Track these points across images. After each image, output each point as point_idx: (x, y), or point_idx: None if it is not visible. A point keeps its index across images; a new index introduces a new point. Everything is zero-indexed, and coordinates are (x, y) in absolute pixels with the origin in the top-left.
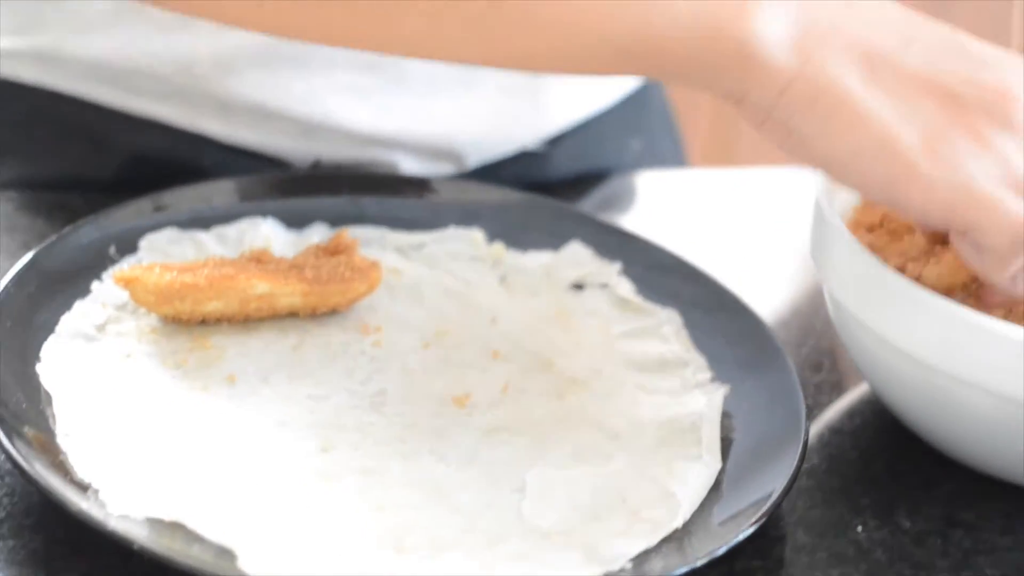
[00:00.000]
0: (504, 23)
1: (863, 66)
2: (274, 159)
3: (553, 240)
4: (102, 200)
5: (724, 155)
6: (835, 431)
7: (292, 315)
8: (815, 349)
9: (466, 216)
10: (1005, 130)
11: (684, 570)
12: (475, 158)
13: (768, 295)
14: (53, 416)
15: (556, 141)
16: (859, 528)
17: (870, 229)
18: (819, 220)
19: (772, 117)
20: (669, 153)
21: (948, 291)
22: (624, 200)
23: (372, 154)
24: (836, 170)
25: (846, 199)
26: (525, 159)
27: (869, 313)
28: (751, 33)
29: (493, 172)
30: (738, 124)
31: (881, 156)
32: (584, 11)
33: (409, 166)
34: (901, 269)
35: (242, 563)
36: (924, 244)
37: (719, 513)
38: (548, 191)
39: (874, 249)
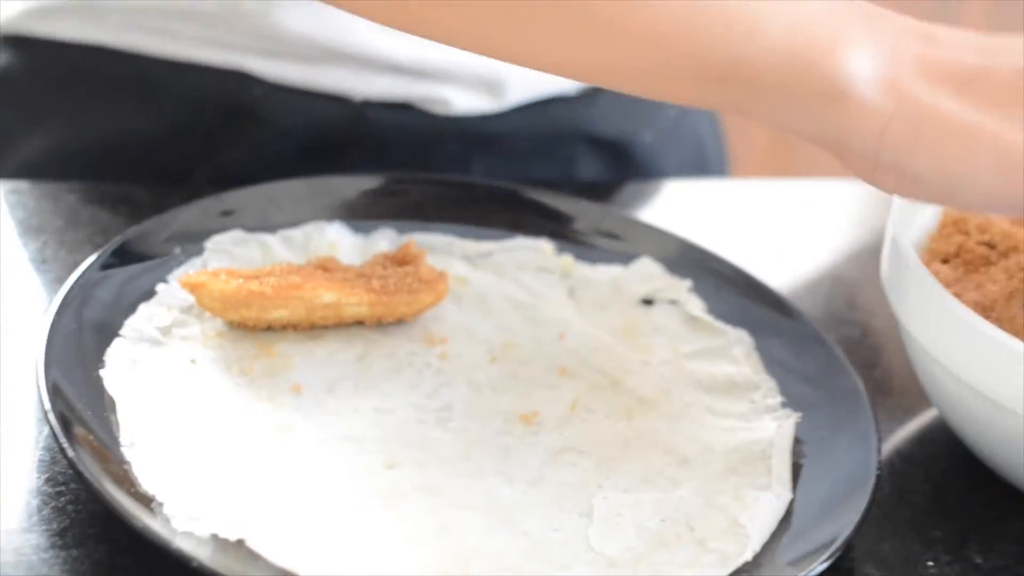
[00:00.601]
0: (588, 30)
1: (955, 88)
2: (322, 95)
3: (622, 254)
4: (164, 192)
5: (781, 166)
6: (906, 459)
7: (358, 323)
8: (886, 372)
9: (535, 226)
10: None
11: None
12: (516, 94)
13: (837, 315)
14: (117, 423)
15: (598, 91)
16: (930, 563)
17: (945, 260)
18: (893, 251)
19: (880, 162)
20: (706, 129)
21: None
22: (675, 208)
23: (418, 90)
24: (960, 197)
25: (921, 227)
26: (565, 105)
27: (942, 349)
28: (844, 71)
29: (533, 113)
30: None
31: (1002, 167)
32: (675, 27)
33: (453, 99)
34: (976, 304)
35: None
36: (1002, 277)
37: (788, 547)
38: (588, 155)
39: (949, 281)
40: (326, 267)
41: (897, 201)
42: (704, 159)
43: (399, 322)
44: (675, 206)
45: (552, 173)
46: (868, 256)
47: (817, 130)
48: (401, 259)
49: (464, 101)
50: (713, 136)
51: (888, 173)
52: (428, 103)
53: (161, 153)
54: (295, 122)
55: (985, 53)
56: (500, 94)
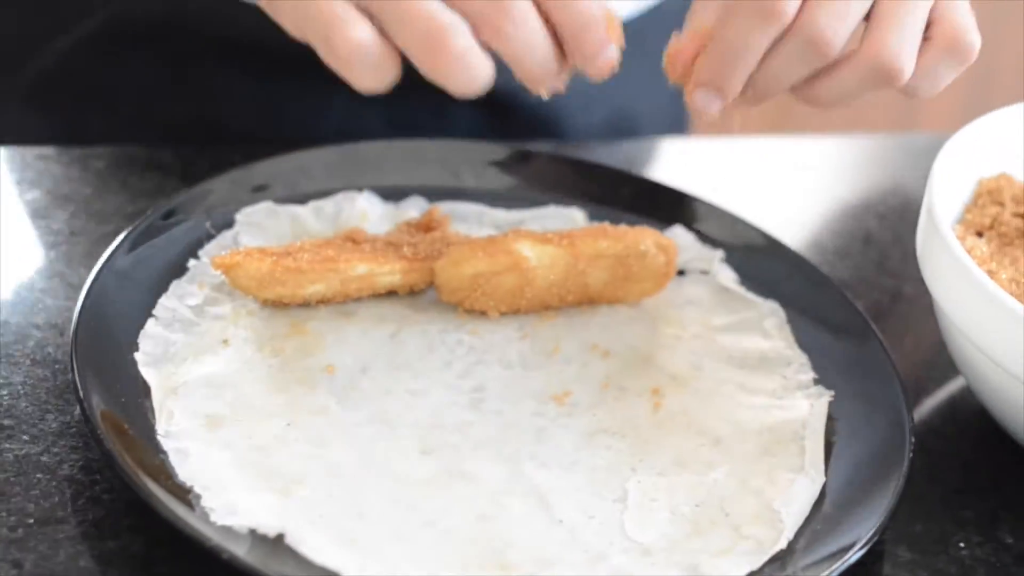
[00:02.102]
0: None
1: None
2: None
3: (655, 222)
4: (192, 157)
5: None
6: (936, 434)
7: (390, 296)
8: (916, 341)
9: (566, 195)
10: None
11: None
12: None
13: (867, 279)
14: (152, 410)
15: None
16: (961, 544)
17: (979, 233)
18: (928, 225)
19: None
20: (650, 108)
21: None
22: (683, 170)
23: None
24: None
25: (957, 198)
26: None
27: (976, 328)
28: None
29: None
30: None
31: None
32: None
33: None
34: (1011, 280)
35: None
36: None
37: (823, 532)
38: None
39: (984, 257)
40: (354, 238)
41: (935, 171)
42: (629, 122)
43: (429, 292)
44: (683, 167)
45: (426, 123)
46: (895, 217)
47: None
48: (426, 225)
49: None
50: (651, 99)
51: None
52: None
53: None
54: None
55: None
56: None
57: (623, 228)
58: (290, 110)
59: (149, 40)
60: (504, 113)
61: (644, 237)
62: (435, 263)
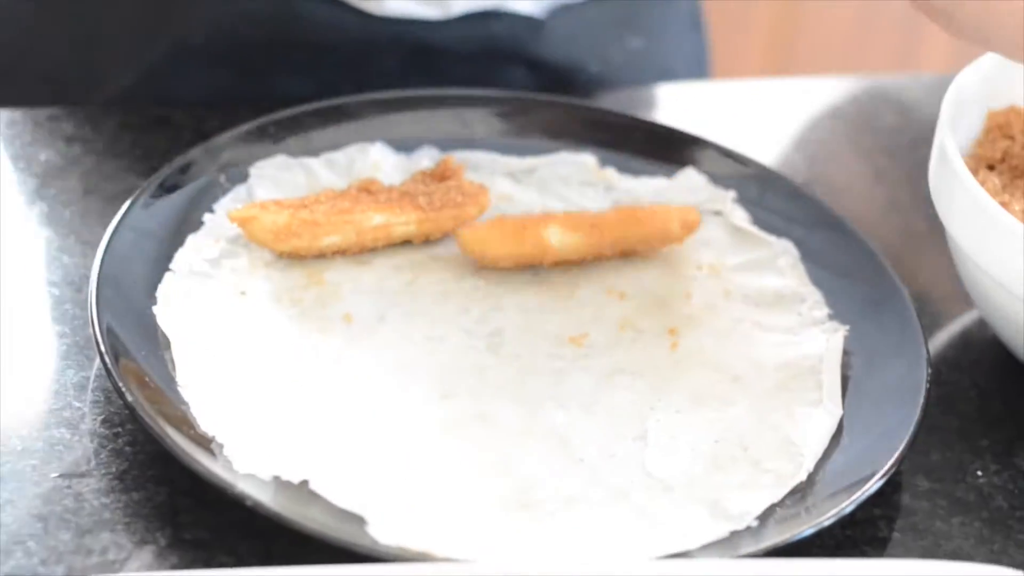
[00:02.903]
0: None
1: None
2: None
3: (666, 166)
4: (202, 115)
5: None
6: (951, 366)
7: (405, 244)
8: (930, 276)
9: (577, 140)
10: None
11: (812, 531)
12: (461, 5)
13: (878, 216)
14: (172, 362)
15: (552, 14)
16: (979, 472)
17: (991, 166)
18: (940, 160)
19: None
20: (683, 64)
21: None
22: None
23: None
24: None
25: (967, 131)
26: (510, 22)
27: (990, 260)
28: None
29: (475, 25)
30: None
31: None
32: None
33: (394, 7)
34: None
35: (372, 529)
36: None
37: (842, 464)
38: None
39: (996, 189)
40: (369, 189)
41: (945, 106)
42: (658, 71)
43: (445, 239)
44: (692, 111)
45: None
46: (904, 155)
47: None
48: (441, 174)
49: (402, 4)
50: (689, 73)
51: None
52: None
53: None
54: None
55: None
56: (442, 4)
57: (651, 209)
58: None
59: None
60: (559, 87)
61: (670, 219)
62: (461, 231)
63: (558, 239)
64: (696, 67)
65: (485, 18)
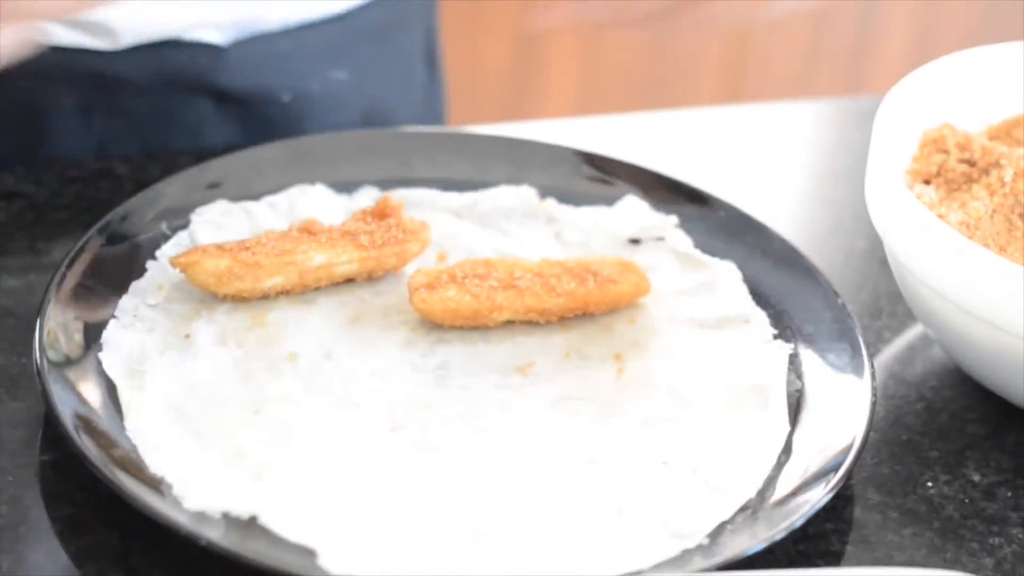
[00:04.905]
0: None
1: None
2: None
3: (606, 195)
4: (143, 164)
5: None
6: (898, 380)
7: (349, 283)
8: (873, 294)
9: (516, 174)
10: None
11: (763, 547)
12: (131, 35)
13: (822, 238)
14: (119, 407)
15: (238, 44)
16: (929, 484)
17: (927, 181)
18: (876, 174)
19: None
20: (404, 100)
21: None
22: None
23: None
24: None
25: (903, 148)
26: (195, 53)
27: (929, 271)
28: None
29: (157, 57)
30: (746, 60)
31: None
32: None
33: (61, 36)
34: (961, 223)
35: (323, 561)
36: (984, 195)
37: (791, 478)
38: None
39: (933, 202)
40: (310, 230)
41: (878, 124)
42: (383, 118)
43: (388, 277)
44: (636, 140)
45: (182, 142)
46: (844, 177)
47: None
48: (381, 213)
49: (69, 34)
50: (414, 109)
51: None
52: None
53: None
54: None
55: None
56: (113, 35)
57: (602, 292)
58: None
59: None
60: (250, 117)
61: (621, 300)
62: (416, 299)
63: (508, 307)
64: (425, 104)
65: (161, 48)
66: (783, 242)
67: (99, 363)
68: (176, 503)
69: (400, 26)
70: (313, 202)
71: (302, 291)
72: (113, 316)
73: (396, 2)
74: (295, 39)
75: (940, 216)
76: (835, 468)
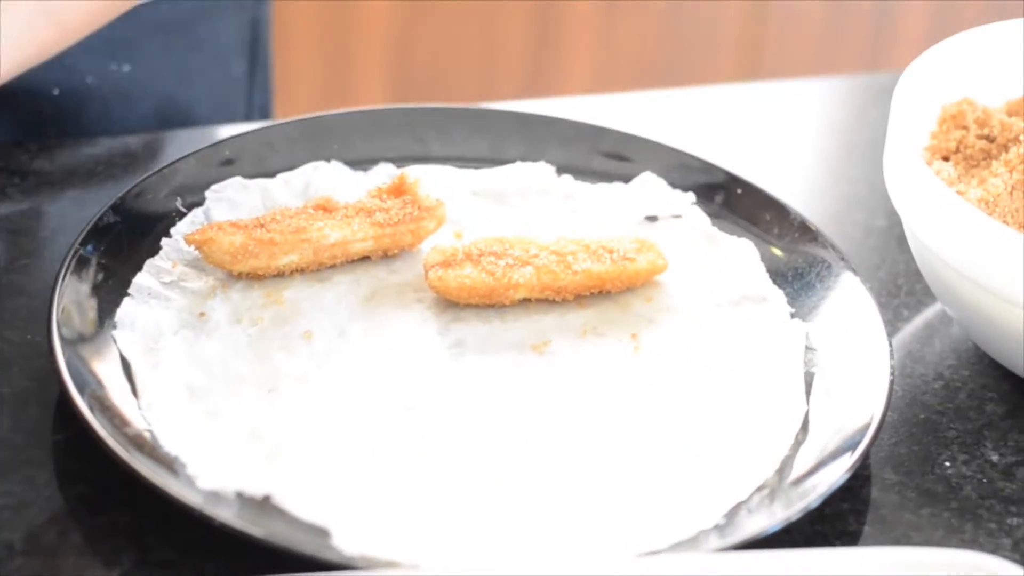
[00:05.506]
0: None
1: None
2: None
3: (623, 172)
4: (159, 142)
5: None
6: (916, 359)
7: (365, 259)
8: (891, 272)
9: (532, 151)
10: None
11: (779, 527)
12: None
13: (838, 215)
14: (133, 385)
15: None
16: (947, 464)
17: (946, 157)
18: (895, 151)
19: None
20: (209, 93)
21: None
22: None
23: None
24: None
25: (921, 124)
26: None
27: (947, 248)
28: None
29: None
30: (765, 37)
31: None
32: None
33: None
34: (980, 200)
35: (336, 541)
36: (1003, 171)
37: (808, 459)
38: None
39: (952, 179)
40: (326, 207)
41: (896, 100)
42: (182, 111)
43: (403, 252)
44: (654, 117)
45: None
46: (862, 153)
47: None
48: (397, 190)
49: None
50: (204, 86)
51: None
52: None
53: None
54: None
55: None
56: None
57: (619, 270)
58: None
59: None
60: (21, 111)
61: (637, 278)
62: (432, 276)
63: (524, 285)
64: (243, 98)
65: None
66: (801, 220)
67: (114, 341)
68: (190, 482)
69: (205, 19)
70: (328, 179)
71: (317, 269)
72: (127, 294)
73: None
74: None
75: (959, 193)
76: (852, 448)
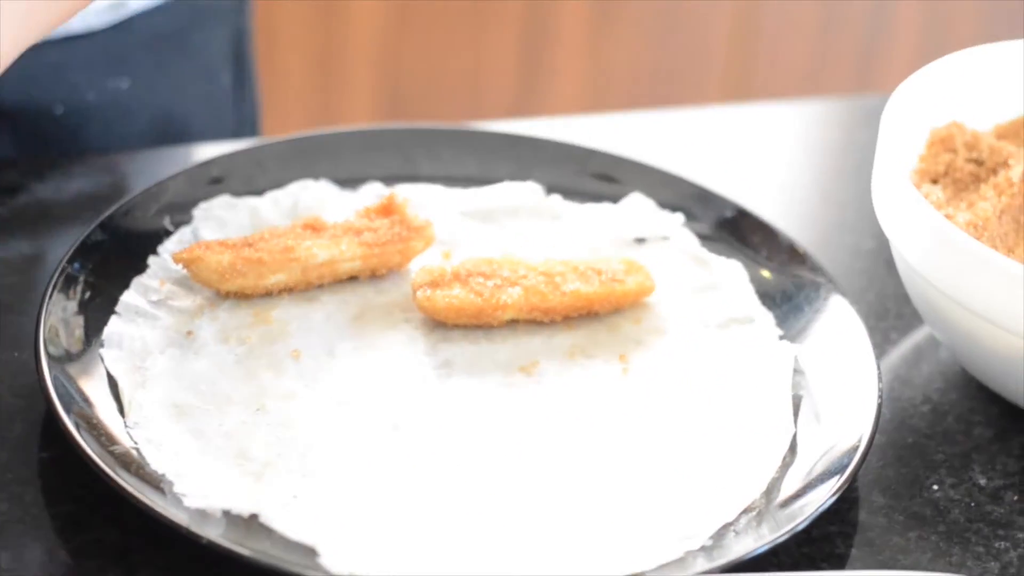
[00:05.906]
0: None
1: None
2: None
3: (611, 193)
4: (148, 160)
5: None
6: (904, 382)
7: (353, 278)
8: (879, 295)
9: (521, 171)
10: None
11: (767, 549)
12: None
13: (827, 238)
14: (120, 404)
15: None
16: (935, 487)
17: (935, 180)
18: (883, 174)
19: None
20: (203, 106)
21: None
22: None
23: None
24: None
25: (909, 147)
26: None
27: (935, 271)
28: None
29: None
30: (754, 58)
31: None
32: None
33: None
34: (969, 224)
35: (324, 560)
36: (991, 195)
37: (796, 481)
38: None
39: (940, 202)
40: (314, 226)
41: (884, 123)
42: (178, 127)
43: (392, 272)
44: (642, 138)
45: None
46: (851, 176)
47: None
48: (385, 210)
49: None
50: (214, 115)
51: None
52: None
53: None
54: None
55: None
56: None
57: (607, 291)
58: None
59: None
60: (22, 130)
61: (626, 299)
62: (419, 297)
63: (512, 317)
64: (231, 110)
65: None
66: (790, 242)
67: (100, 359)
68: (177, 501)
69: (195, 30)
70: (317, 198)
71: (305, 288)
72: (115, 312)
73: (185, 6)
74: (65, 49)
75: (947, 216)
76: (840, 470)
